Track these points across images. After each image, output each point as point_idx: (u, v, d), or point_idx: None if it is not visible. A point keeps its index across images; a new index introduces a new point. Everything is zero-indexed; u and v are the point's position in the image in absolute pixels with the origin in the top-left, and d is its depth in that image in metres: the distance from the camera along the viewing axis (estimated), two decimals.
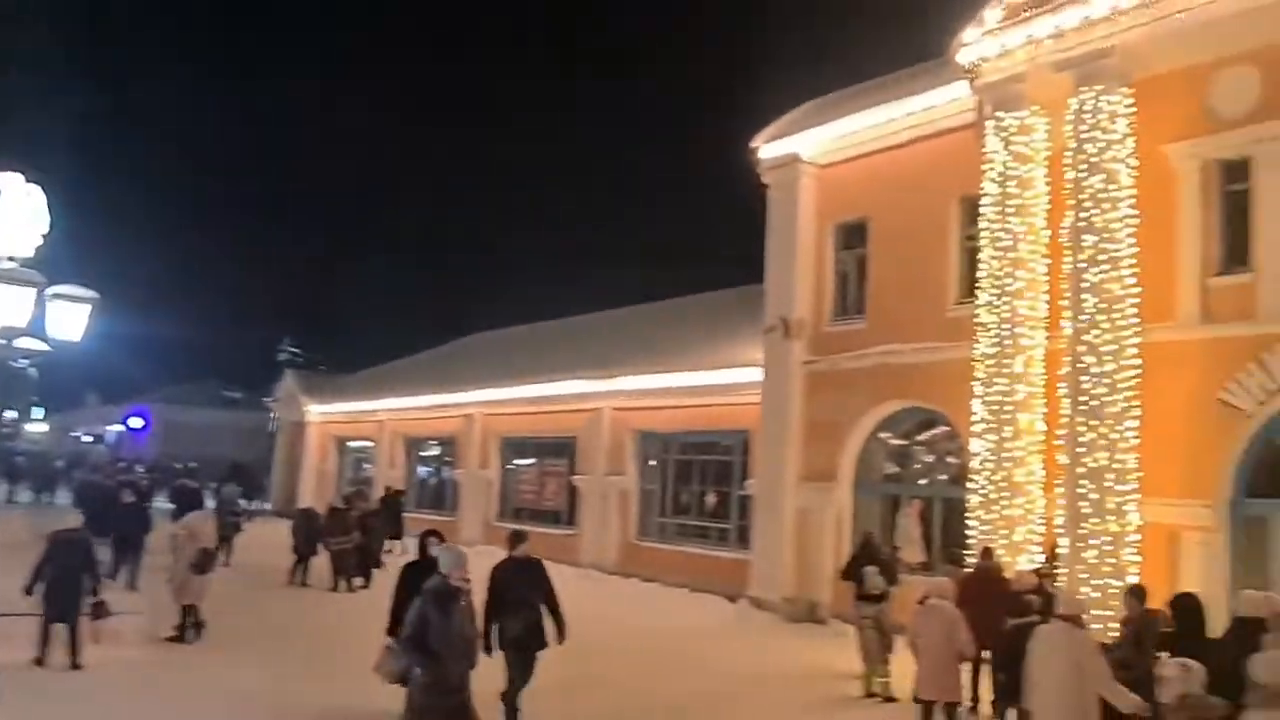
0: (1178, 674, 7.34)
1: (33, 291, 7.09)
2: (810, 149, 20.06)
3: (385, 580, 15.04)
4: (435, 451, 34.60)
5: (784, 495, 19.49)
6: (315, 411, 40.64)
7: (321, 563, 20.35)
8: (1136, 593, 10.37)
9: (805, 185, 20.16)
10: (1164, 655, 8.57)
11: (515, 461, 30.18)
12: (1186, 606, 9.49)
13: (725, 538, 22.36)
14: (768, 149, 20.71)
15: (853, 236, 19.59)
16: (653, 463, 24.83)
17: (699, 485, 23.59)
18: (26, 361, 7.44)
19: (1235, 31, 13.28)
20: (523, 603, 10.29)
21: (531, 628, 10.29)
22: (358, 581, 20.18)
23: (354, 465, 39.63)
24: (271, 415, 46.12)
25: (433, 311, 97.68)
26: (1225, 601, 12.67)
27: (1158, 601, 10.27)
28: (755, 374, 20.58)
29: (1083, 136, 14.45)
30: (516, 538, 10.83)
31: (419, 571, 9.48)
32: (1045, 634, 8.53)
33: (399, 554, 22.44)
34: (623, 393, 24.89)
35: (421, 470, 35.49)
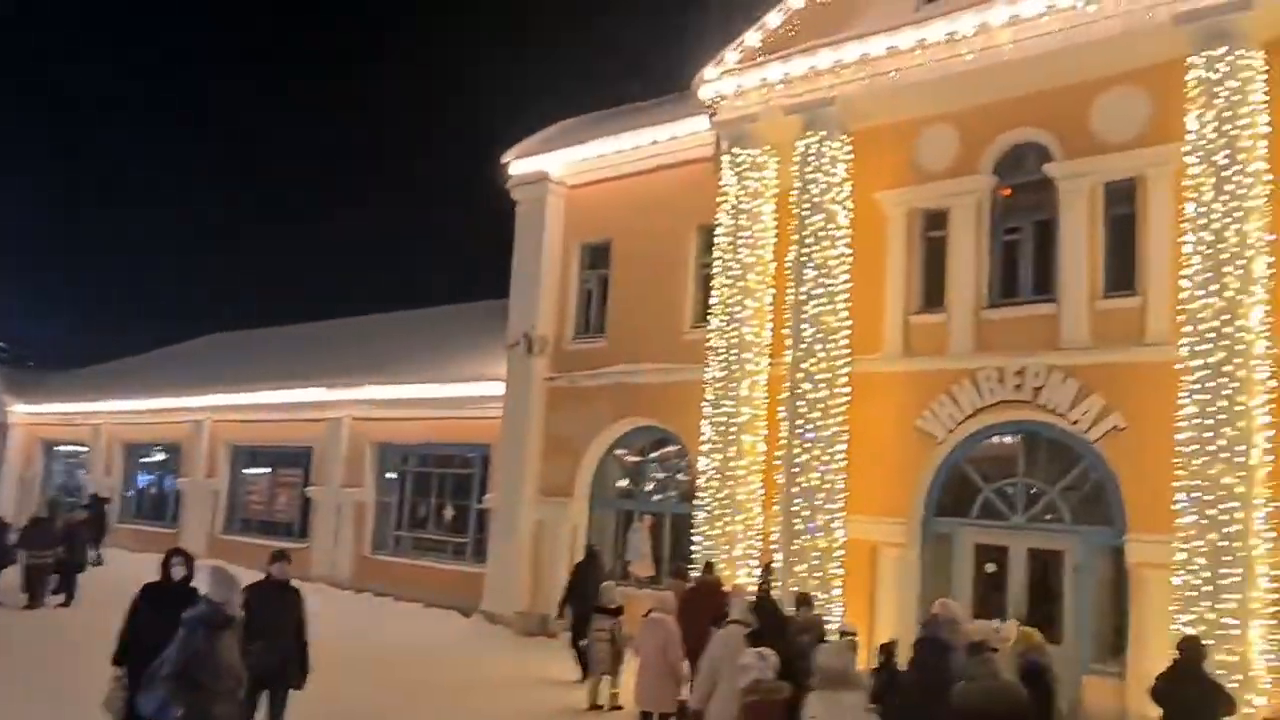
0: (754, 661, 8.34)
1: None
2: (560, 168, 20.37)
3: (92, 597, 13.98)
4: (159, 458, 32.38)
5: (521, 509, 19.63)
6: (20, 412, 37.06)
7: (11, 577, 18.58)
8: (801, 599, 11.27)
9: (553, 204, 20.45)
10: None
11: (246, 471, 28.73)
12: (765, 608, 11.48)
13: (462, 552, 22.24)
14: (518, 165, 20.85)
15: (597, 257, 20.05)
16: (391, 475, 24.35)
17: (438, 498, 23.35)
18: None
19: (937, 94, 14.63)
20: (278, 631, 9.29)
21: (285, 661, 9.37)
22: (57, 599, 18.59)
23: (65, 472, 36.45)
24: None
25: (169, 309, 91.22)
26: (915, 609, 14.01)
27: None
28: (498, 388, 20.64)
29: (807, 178, 15.47)
30: (278, 557, 9.83)
31: (162, 595, 8.39)
32: (722, 637, 9.11)
33: (99, 564, 20.86)
34: (364, 402, 24.28)
35: (142, 479, 33.10)
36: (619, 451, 19.45)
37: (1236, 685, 10.69)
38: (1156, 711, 9.08)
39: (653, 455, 19.11)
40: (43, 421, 36.62)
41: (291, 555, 10.18)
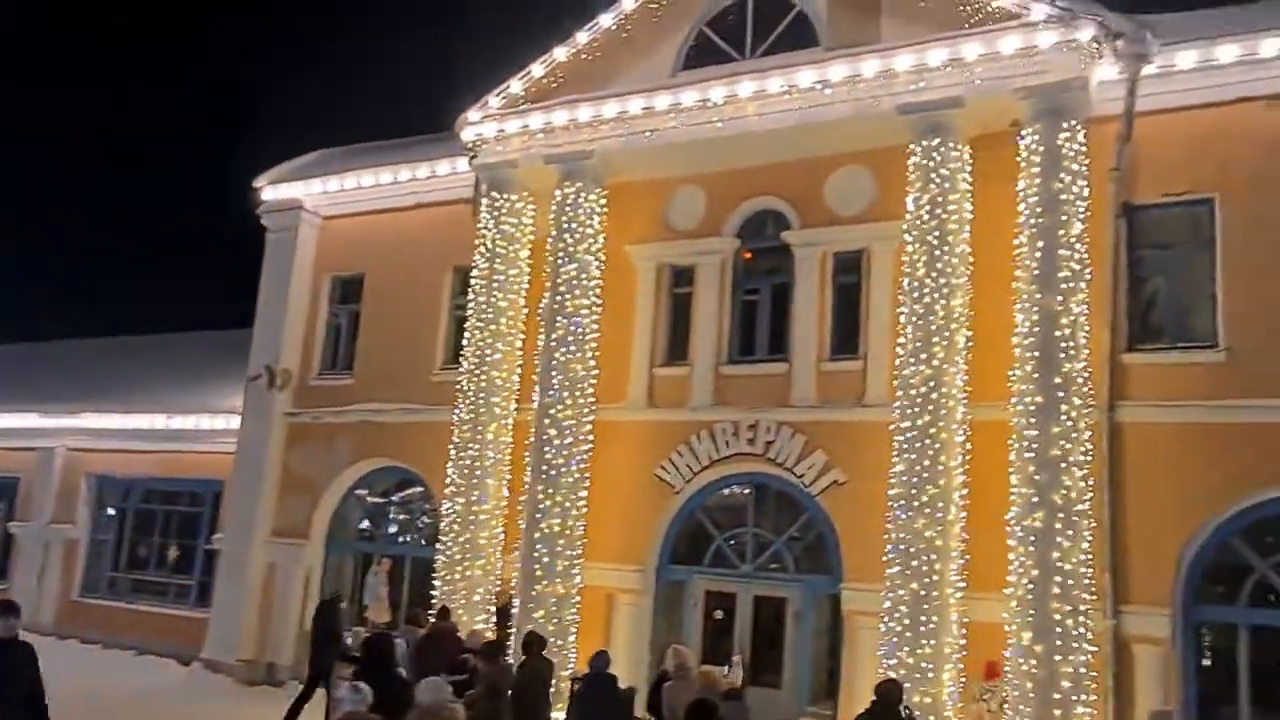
0: (348, 695, 8.70)
1: None
2: (315, 198, 19.75)
3: None
4: None
5: (252, 551, 18.64)
6: None
7: None
8: (489, 649, 11.24)
9: (306, 234, 19.77)
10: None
11: None
12: (374, 644, 12.43)
13: (185, 595, 20.86)
14: (271, 191, 20.07)
15: (349, 291, 19.51)
16: (110, 511, 22.55)
17: (162, 537, 21.80)
18: None
19: (688, 156, 15.29)
20: (6, 698, 7.95)
21: None
22: None
23: None
24: None
25: None
26: (646, 654, 14.32)
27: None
28: (234, 422, 19.61)
29: (563, 226, 15.73)
30: (5, 609, 8.23)
31: None
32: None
33: None
34: (82, 431, 22.42)
35: None
36: (360, 492, 18.87)
37: None
38: None
39: (395, 497, 18.67)
40: None
41: (19, 609, 8.34)
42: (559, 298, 15.55)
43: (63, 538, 22.30)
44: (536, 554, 14.93)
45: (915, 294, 13.06)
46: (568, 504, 15.00)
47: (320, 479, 18.64)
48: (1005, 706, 11.82)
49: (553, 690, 12.14)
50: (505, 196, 16.51)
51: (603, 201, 15.90)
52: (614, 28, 15.85)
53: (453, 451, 16.13)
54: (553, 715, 11.95)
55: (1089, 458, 12.00)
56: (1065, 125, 12.62)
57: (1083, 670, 11.47)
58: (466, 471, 15.93)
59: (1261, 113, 12.47)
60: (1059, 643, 11.47)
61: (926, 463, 12.57)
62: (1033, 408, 12.06)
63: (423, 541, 17.88)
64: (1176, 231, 13.04)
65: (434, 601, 15.66)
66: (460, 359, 16.61)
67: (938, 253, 13.02)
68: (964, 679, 12.32)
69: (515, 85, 16.45)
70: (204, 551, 20.60)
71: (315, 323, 19.54)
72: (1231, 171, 12.49)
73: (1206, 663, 12.35)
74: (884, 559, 12.73)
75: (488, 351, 16.20)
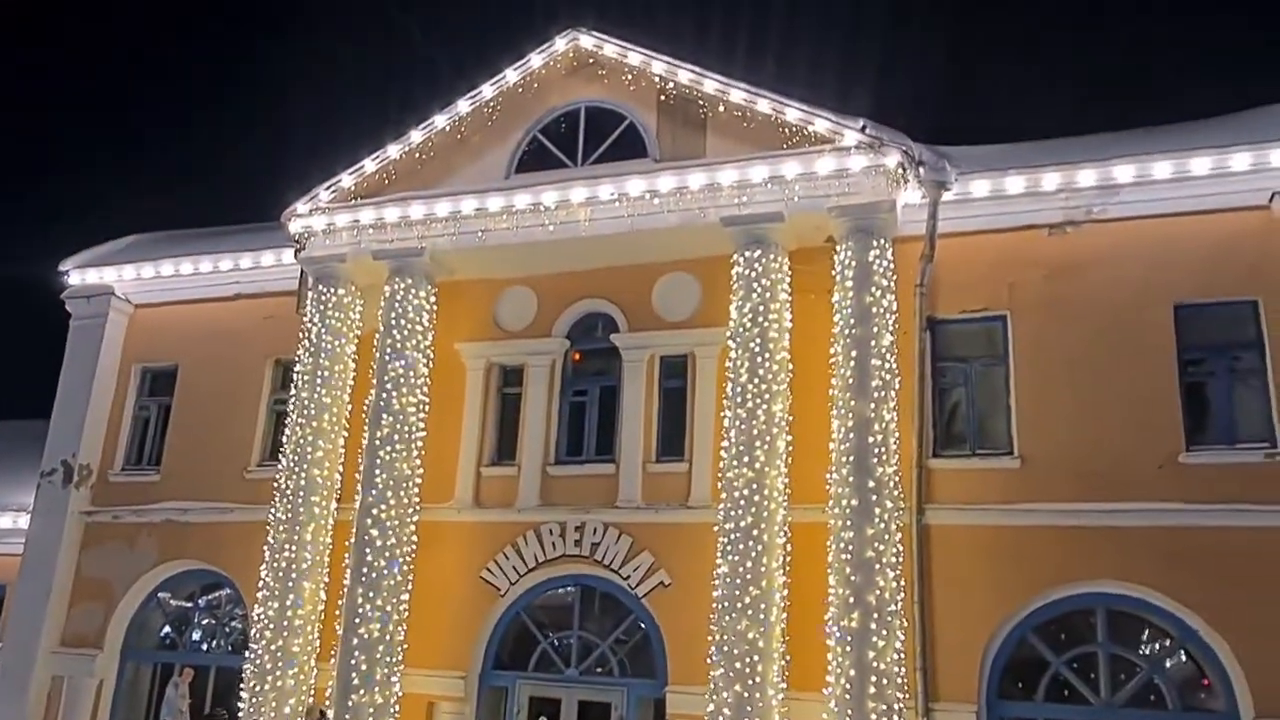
0: None
1: None
2: (126, 284, 18.81)
3: None
4: None
5: (36, 663, 17.12)
6: None
7: None
8: None
9: (115, 321, 18.76)
10: None
11: None
12: None
13: None
14: (78, 276, 19.04)
15: (159, 383, 18.57)
16: None
17: None
18: None
19: (519, 258, 15.48)
20: None
21: None
22: None
23: None
24: None
25: None
26: None
27: None
28: (22, 521, 18.17)
29: (391, 323, 15.53)
30: None
31: None
32: None
33: None
34: None
35: None
36: (163, 595, 17.70)
37: None
38: None
39: (201, 601, 17.59)
40: None
41: None
42: (385, 394, 15.27)
43: None
44: (354, 661, 14.31)
45: (738, 398, 13.48)
46: (389, 608, 14.51)
47: (118, 582, 17.39)
48: None
49: None
50: (332, 291, 16.21)
51: (432, 299, 15.83)
52: (448, 129, 16.00)
53: (267, 553, 15.41)
54: None
55: (900, 559, 12.54)
56: (875, 243, 13.46)
57: None
58: (281, 574, 15.22)
59: (1045, 239, 13.66)
60: None
61: (749, 564, 12.83)
62: (849, 510, 12.55)
63: (230, 649, 16.89)
64: (975, 345, 13.99)
65: (239, 714, 14.78)
66: (279, 455, 16.01)
67: (759, 359, 13.52)
68: None
69: (346, 179, 16.32)
70: None
71: (121, 415, 18.45)
72: (1020, 292, 13.58)
73: None
74: (708, 660, 12.84)
75: (309, 448, 15.66)
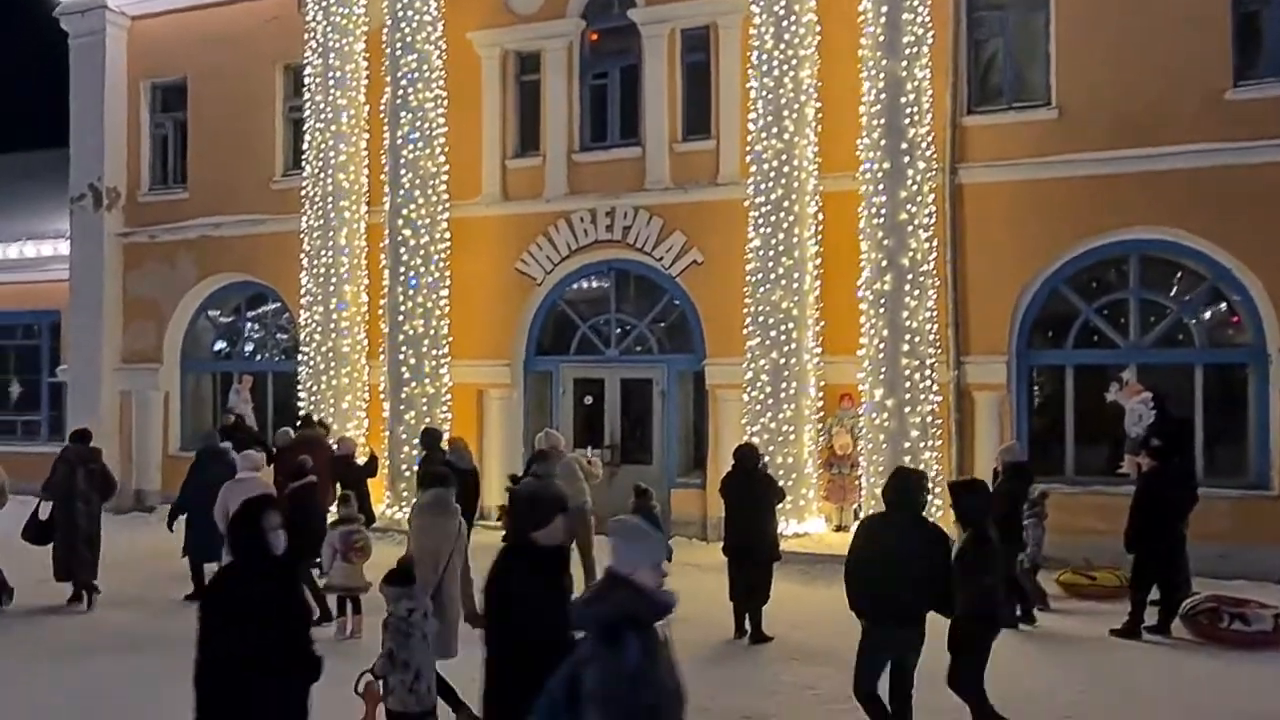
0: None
1: None
2: None
3: None
4: None
5: (102, 380, 17.95)
6: None
7: None
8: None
9: (114, 36, 18.12)
10: None
11: None
12: None
13: (35, 431, 20.07)
14: None
15: (170, 98, 18.19)
16: None
17: (1, 374, 20.72)
18: None
19: None
20: None
21: None
22: None
23: None
24: None
25: None
26: (520, 444, 14.64)
27: None
28: (63, 248, 18.46)
29: (398, 15, 14.83)
30: None
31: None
32: None
33: None
34: None
35: None
36: (212, 311, 18.23)
37: (791, 481, 12.33)
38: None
39: (249, 313, 18.11)
40: None
41: None
42: (401, 91, 14.85)
43: None
44: (402, 356, 14.84)
45: (764, 67, 12.98)
46: (429, 304, 14.85)
47: (165, 300, 17.88)
48: (860, 436, 12.70)
49: None
50: None
51: None
52: None
53: (305, 260, 15.67)
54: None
55: (933, 219, 12.48)
56: None
57: (929, 419, 12.32)
58: (321, 279, 15.53)
59: None
60: (908, 395, 12.24)
61: (781, 235, 12.85)
62: (880, 174, 12.37)
63: (282, 355, 17.54)
64: None
65: (300, 413, 15.55)
66: (302, 164, 15.89)
67: (785, 23, 12.89)
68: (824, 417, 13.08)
69: None
70: (49, 385, 19.74)
71: (138, 135, 18.23)
72: None
73: (1038, 402, 13.43)
74: (744, 332, 13.17)
75: (331, 154, 15.51)
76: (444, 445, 11.90)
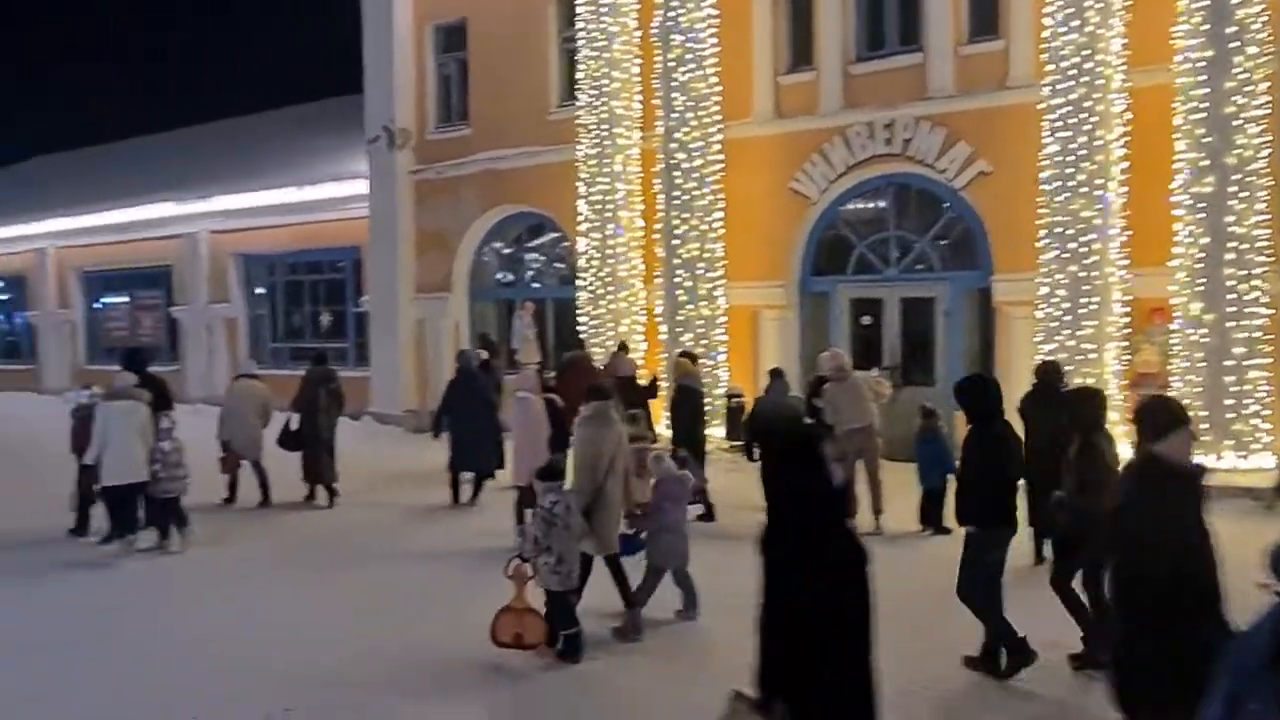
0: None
1: None
2: None
3: None
4: (3, 296, 30.55)
5: (399, 309, 19.30)
6: None
7: None
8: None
9: None
10: None
11: (103, 299, 27.36)
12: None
13: (343, 357, 21.81)
14: None
15: (452, 39, 19.02)
16: (260, 289, 23.48)
17: (311, 306, 22.72)
18: None
19: None
20: None
21: None
22: None
23: None
24: None
25: None
26: (796, 367, 14.47)
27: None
28: (362, 187, 19.83)
29: None
30: None
31: None
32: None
33: None
34: (219, 214, 23.05)
35: None
36: (495, 241, 19.11)
37: None
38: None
39: (529, 242, 18.85)
40: None
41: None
42: (671, 14, 14.81)
43: (221, 317, 23.46)
44: (677, 279, 15.01)
45: None
46: (704, 227, 14.88)
47: (452, 233, 18.90)
48: (1172, 350, 11.67)
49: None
50: None
51: None
52: None
53: (581, 188, 16.07)
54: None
55: (1265, 111, 11.12)
56: None
57: (1256, 334, 11.14)
58: (598, 207, 15.91)
59: None
60: (1231, 309, 11.10)
61: (1082, 139, 11.88)
62: (1201, 64, 11.14)
63: (561, 282, 18.15)
64: None
65: (580, 338, 16.09)
66: (576, 94, 16.23)
67: None
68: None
69: None
70: (353, 315, 21.43)
71: (424, 76, 19.23)
72: None
73: None
74: (1037, 246, 12.34)
75: (604, 82, 15.76)
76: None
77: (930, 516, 10.12)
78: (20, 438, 12.85)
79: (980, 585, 6.31)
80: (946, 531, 9.33)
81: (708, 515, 10.71)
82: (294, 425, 12.34)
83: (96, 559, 9.80)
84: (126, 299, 26.70)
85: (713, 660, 6.48)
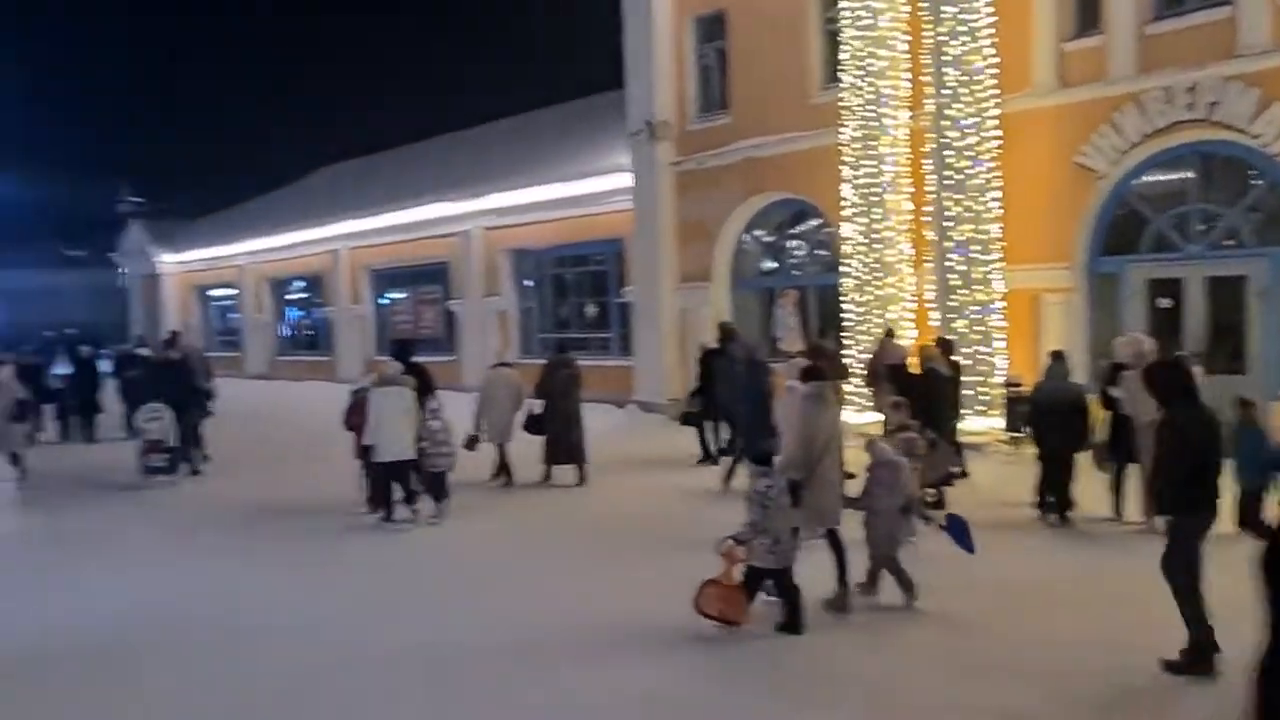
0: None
1: None
2: None
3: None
4: (302, 294, 33.52)
5: (662, 299, 19.59)
6: (169, 261, 38.69)
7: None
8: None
9: None
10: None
11: (388, 294, 29.49)
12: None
13: (607, 346, 22.49)
14: None
15: (712, 29, 19.06)
16: (529, 282, 24.53)
17: (576, 298, 23.51)
18: None
19: None
20: None
21: None
22: None
23: (220, 315, 38.18)
24: (120, 271, 43.65)
25: (285, 147, 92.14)
26: (1083, 354, 13.50)
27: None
28: (624, 180, 20.27)
29: None
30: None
31: None
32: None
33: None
34: (491, 211, 24.26)
35: (291, 313, 34.45)
36: (756, 230, 19.02)
37: None
38: None
39: (790, 230, 18.62)
40: (191, 269, 38.16)
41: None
42: None
43: (494, 310, 24.70)
44: (949, 263, 14.37)
45: None
46: (978, 207, 14.15)
47: (712, 222, 18.96)
48: None
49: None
50: None
51: None
52: None
53: (845, 172, 15.69)
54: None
55: None
56: None
57: None
58: (864, 191, 15.50)
59: None
60: None
61: None
62: None
63: (824, 269, 17.81)
64: None
65: (845, 326, 15.75)
66: (839, 76, 15.85)
67: None
68: None
69: None
70: (617, 306, 21.97)
71: (684, 67, 19.40)
72: None
73: None
74: None
75: (869, 61, 15.31)
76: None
77: (1250, 518, 9.14)
78: (320, 421, 14.10)
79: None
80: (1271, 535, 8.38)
81: (937, 502, 10.06)
82: (537, 410, 13.03)
83: (374, 525, 10.89)
84: (408, 294, 28.63)
85: (921, 640, 6.79)
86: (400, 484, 10.87)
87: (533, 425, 13.05)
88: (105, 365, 20.34)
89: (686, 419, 14.59)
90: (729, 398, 13.06)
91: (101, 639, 7.37)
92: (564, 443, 12.82)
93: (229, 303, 37.04)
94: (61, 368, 21.17)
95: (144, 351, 19.74)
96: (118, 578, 9.12)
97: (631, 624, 7.28)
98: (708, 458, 13.82)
